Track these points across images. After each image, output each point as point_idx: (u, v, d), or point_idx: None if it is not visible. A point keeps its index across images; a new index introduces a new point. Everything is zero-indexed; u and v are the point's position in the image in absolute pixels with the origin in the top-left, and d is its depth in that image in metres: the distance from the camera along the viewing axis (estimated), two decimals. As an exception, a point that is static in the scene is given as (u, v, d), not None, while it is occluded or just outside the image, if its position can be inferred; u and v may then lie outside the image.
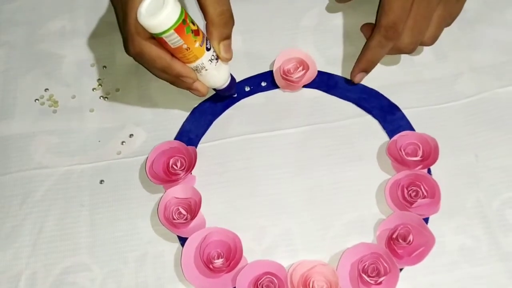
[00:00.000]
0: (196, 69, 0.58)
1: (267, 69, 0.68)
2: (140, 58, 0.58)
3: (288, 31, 0.71)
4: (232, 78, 0.62)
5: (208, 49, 0.56)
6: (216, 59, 0.58)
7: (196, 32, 0.55)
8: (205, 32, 0.57)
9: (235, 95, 0.66)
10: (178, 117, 0.65)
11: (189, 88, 0.60)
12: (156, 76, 0.60)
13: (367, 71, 0.65)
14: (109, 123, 0.66)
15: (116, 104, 0.67)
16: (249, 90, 0.67)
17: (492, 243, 0.57)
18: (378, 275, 0.54)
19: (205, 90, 0.61)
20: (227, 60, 0.59)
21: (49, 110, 0.67)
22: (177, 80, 0.59)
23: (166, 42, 0.54)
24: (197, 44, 0.55)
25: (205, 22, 0.57)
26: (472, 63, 0.67)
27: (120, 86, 0.68)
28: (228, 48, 0.59)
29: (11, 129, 0.65)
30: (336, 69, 0.68)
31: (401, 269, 0.56)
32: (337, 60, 0.69)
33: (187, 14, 0.54)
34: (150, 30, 0.53)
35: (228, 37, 0.59)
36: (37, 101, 0.67)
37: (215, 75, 0.59)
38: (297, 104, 0.66)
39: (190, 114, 0.66)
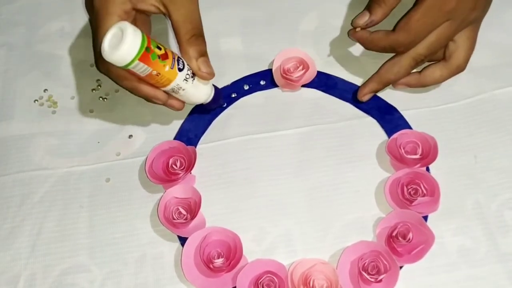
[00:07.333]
0: (173, 91, 0.56)
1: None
2: (109, 76, 0.57)
3: (287, 33, 0.71)
4: (217, 91, 0.60)
5: (180, 69, 0.55)
6: (192, 76, 0.56)
7: (164, 56, 0.53)
8: (178, 52, 0.56)
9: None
10: (177, 117, 0.65)
11: (163, 104, 0.59)
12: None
13: (378, 91, 0.65)
14: (108, 124, 0.66)
15: (115, 105, 0.67)
16: (248, 89, 0.67)
17: (491, 244, 0.57)
18: (378, 273, 0.54)
19: (180, 105, 0.59)
20: (208, 76, 0.57)
21: (49, 111, 0.67)
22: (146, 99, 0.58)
23: (135, 73, 0.53)
24: (167, 68, 0.53)
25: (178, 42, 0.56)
26: (470, 65, 0.67)
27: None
28: (207, 64, 0.57)
29: (10, 130, 0.65)
30: (335, 70, 0.68)
31: (401, 267, 0.56)
32: (336, 61, 0.69)
33: (150, 40, 0.52)
34: (116, 64, 0.51)
35: (204, 53, 0.57)
36: (36, 101, 0.67)
37: (194, 93, 0.57)
38: (296, 104, 0.66)
39: (189, 114, 0.66)
